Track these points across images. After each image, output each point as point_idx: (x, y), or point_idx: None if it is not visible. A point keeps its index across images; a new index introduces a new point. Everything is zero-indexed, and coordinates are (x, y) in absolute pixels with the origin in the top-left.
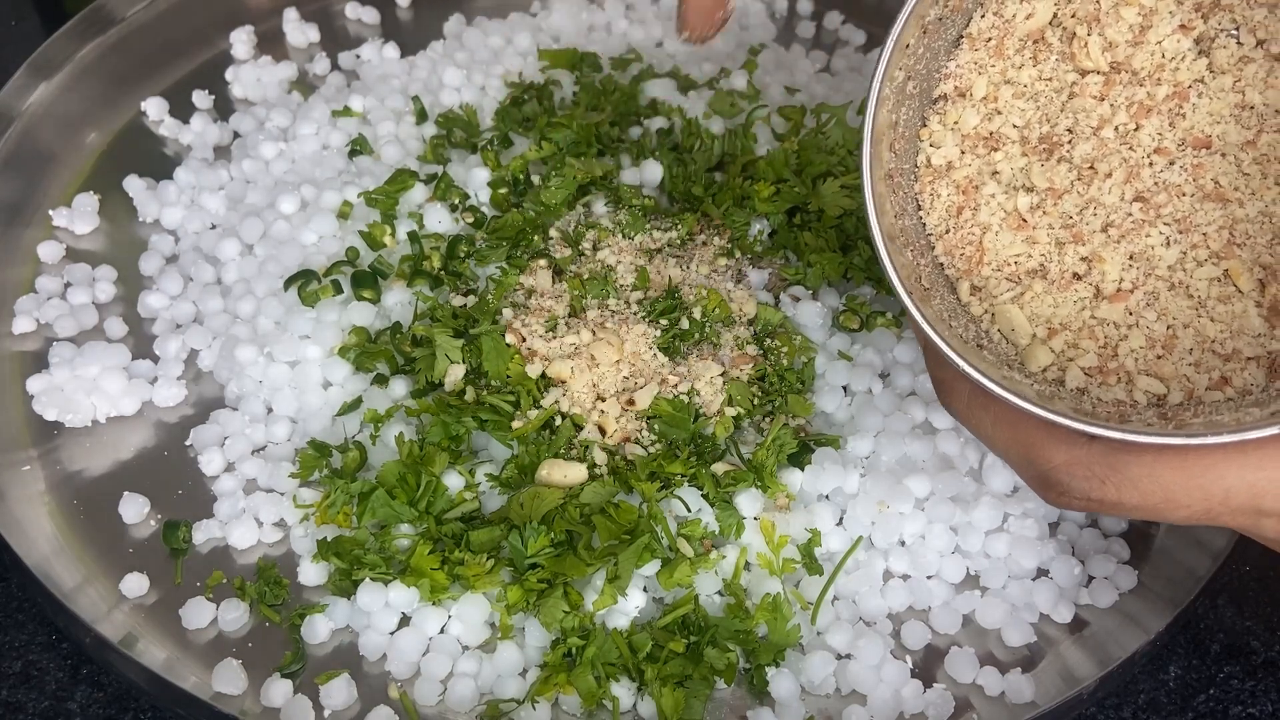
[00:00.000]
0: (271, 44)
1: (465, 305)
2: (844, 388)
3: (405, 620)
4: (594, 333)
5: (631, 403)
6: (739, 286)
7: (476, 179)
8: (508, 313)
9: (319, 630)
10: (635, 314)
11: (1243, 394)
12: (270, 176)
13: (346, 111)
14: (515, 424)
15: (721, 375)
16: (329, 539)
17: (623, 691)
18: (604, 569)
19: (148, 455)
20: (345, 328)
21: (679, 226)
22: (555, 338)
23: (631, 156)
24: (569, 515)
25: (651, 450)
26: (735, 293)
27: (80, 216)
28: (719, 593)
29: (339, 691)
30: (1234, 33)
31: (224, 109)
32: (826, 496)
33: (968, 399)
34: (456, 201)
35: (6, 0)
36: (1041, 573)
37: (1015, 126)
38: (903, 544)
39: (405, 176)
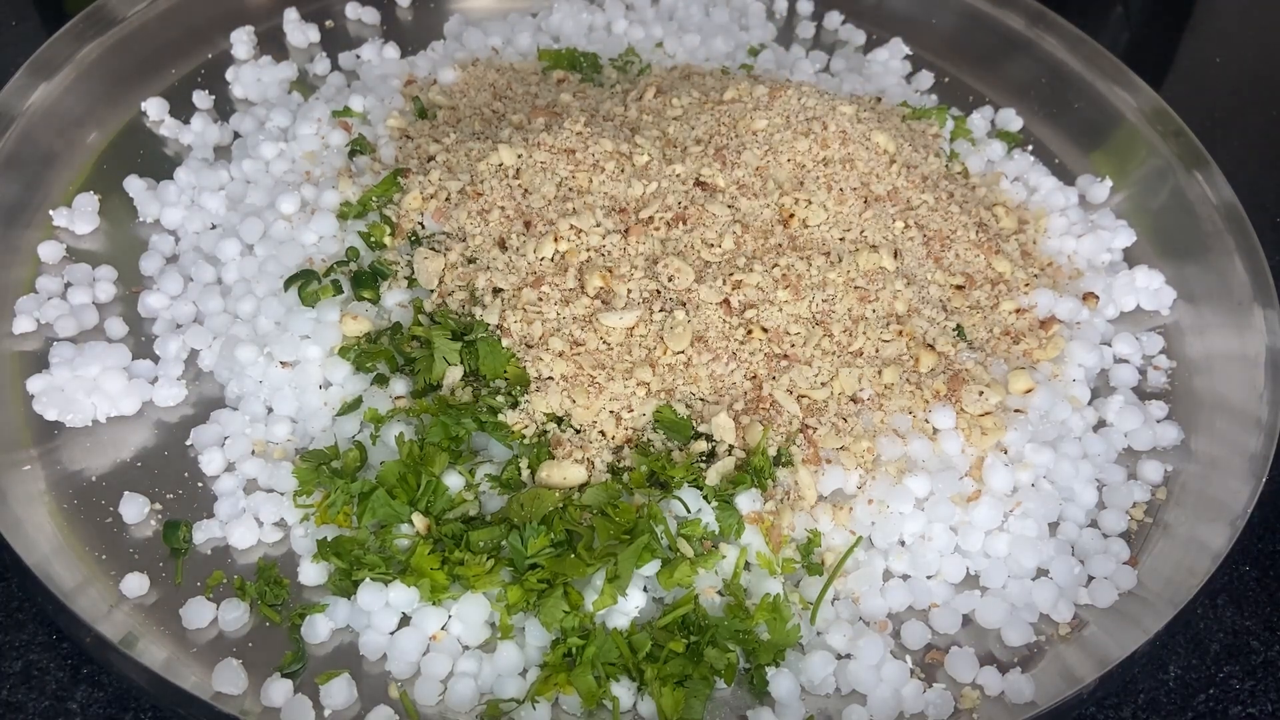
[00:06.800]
0: (271, 44)
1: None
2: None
3: (405, 620)
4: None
5: (631, 408)
6: None
7: None
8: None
9: (319, 630)
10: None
11: None
12: (270, 176)
13: (347, 111)
14: (513, 423)
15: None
16: (329, 539)
17: (623, 691)
18: (604, 569)
19: (148, 455)
20: (345, 331)
21: None
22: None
23: None
24: (569, 516)
25: (652, 453)
26: None
27: (80, 216)
28: (719, 593)
29: (339, 691)
30: None
31: (224, 109)
32: (825, 497)
33: None
34: None
35: (6, 0)
36: (1041, 573)
37: None
38: (903, 544)
39: (395, 177)
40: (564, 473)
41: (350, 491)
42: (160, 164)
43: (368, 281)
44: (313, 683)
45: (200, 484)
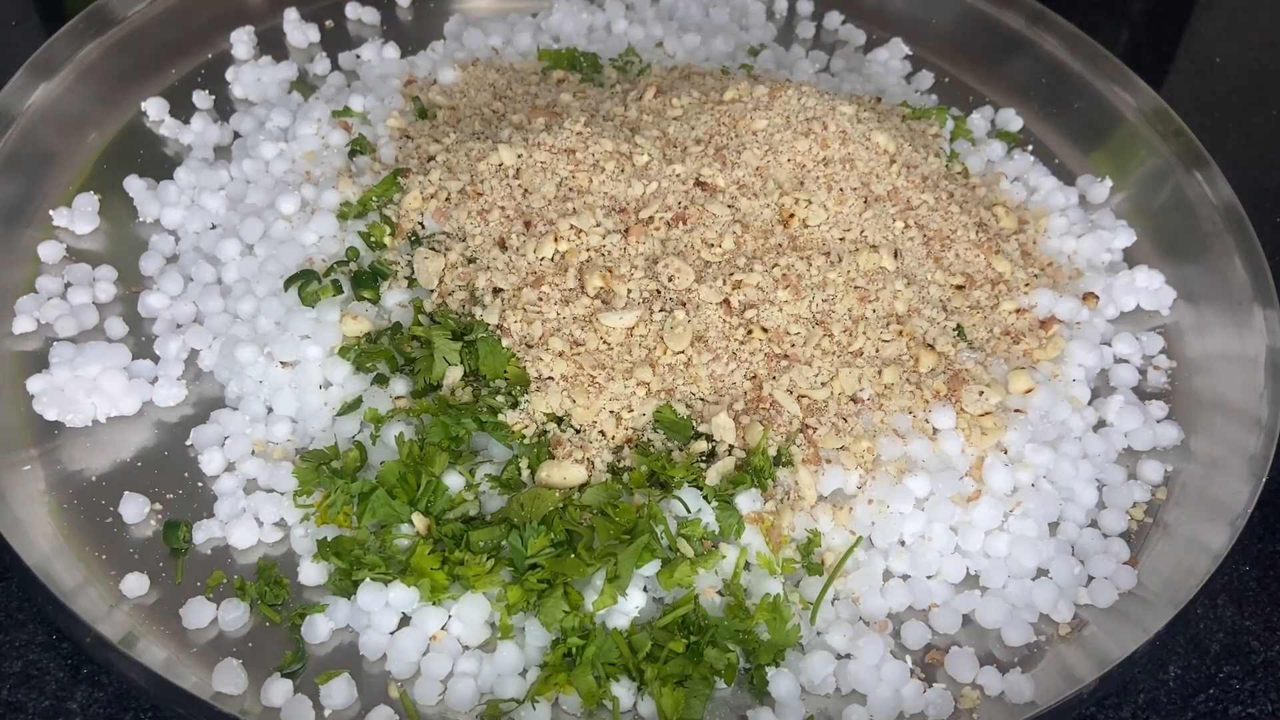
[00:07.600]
0: (271, 44)
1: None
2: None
3: (405, 620)
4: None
5: (631, 408)
6: None
7: None
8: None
9: (319, 630)
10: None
11: None
12: (270, 176)
13: (347, 111)
14: (513, 423)
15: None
16: (329, 539)
17: (623, 691)
18: (604, 569)
19: (148, 455)
20: (345, 331)
21: None
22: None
23: None
24: (569, 516)
25: (652, 453)
26: None
27: (80, 216)
28: (719, 593)
29: (339, 691)
30: None
31: (224, 109)
32: (825, 497)
33: None
34: None
35: (6, 0)
36: (1041, 572)
37: None
38: (903, 544)
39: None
40: (564, 473)
41: (350, 491)
42: (160, 164)
43: (368, 281)
44: (313, 683)
45: (200, 484)
